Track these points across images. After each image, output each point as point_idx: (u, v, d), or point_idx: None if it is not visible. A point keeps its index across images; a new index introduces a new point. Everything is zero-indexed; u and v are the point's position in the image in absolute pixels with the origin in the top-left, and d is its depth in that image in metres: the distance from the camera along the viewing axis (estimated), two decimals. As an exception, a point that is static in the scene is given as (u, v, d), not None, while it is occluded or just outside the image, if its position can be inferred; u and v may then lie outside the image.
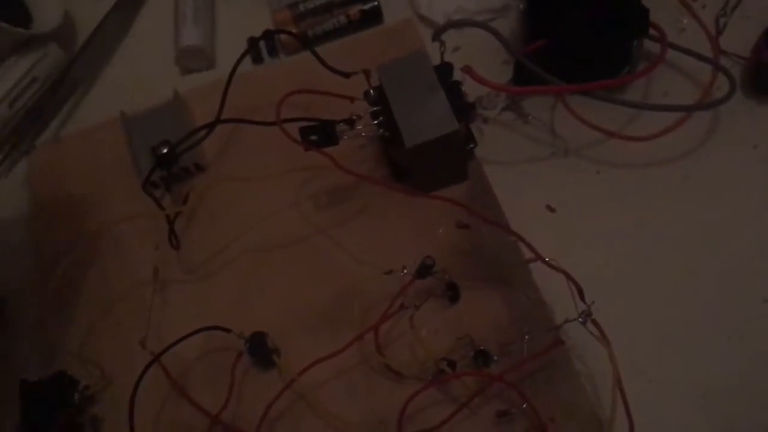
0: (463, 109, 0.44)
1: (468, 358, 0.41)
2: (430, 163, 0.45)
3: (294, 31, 0.57)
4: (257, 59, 0.57)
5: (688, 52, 0.48)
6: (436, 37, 0.45)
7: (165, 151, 0.51)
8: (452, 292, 0.44)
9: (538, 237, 0.41)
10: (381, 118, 0.44)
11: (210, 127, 0.48)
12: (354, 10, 0.56)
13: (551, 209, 0.47)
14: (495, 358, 0.41)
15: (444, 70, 0.46)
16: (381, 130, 0.44)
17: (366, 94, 0.45)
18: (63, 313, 0.48)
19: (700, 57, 0.48)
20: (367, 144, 0.50)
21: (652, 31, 0.48)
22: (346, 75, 0.45)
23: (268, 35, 0.56)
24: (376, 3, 0.56)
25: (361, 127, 0.44)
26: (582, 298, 0.38)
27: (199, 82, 0.57)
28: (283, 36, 0.56)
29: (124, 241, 0.50)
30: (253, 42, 0.57)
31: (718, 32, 0.50)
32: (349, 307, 0.44)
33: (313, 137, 0.43)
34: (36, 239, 0.52)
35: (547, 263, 0.39)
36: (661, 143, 0.47)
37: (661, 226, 0.46)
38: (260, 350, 0.43)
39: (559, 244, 0.41)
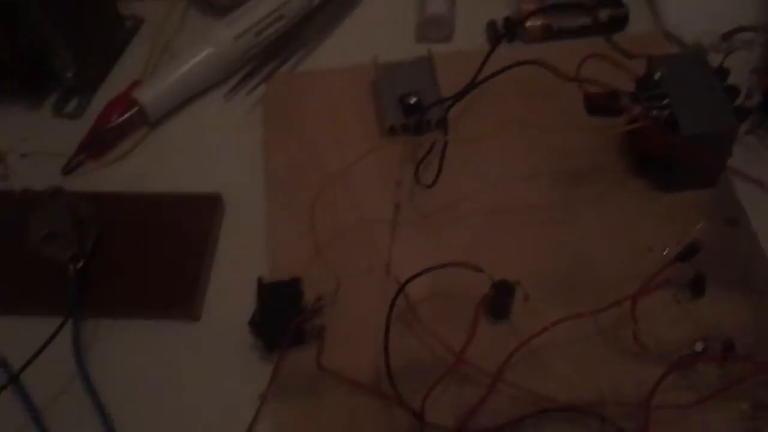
0: (741, 111, 0.45)
1: (715, 348, 0.41)
2: (691, 159, 0.45)
3: (539, 21, 0.58)
4: (495, 42, 0.58)
5: None
6: (727, 38, 0.46)
7: (413, 101, 0.52)
8: (699, 286, 0.43)
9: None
10: (666, 100, 0.44)
11: (493, 74, 0.49)
12: (603, 13, 0.58)
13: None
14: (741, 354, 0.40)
15: (721, 72, 0.46)
16: (666, 111, 0.44)
17: (646, 77, 0.46)
18: (294, 234, 0.48)
19: None
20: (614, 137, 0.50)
21: None
22: (631, 56, 0.46)
23: (508, 24, 0.58)
24: (625, 9, 0.58)
25: (646, 103, 0.44)
26: None
27: (436, 51, 0.59)
28: (528, 24, 0.58)
29: (361, 177, 0.50)
30: (496, 26, 0.59)
31: None
32: (592, 278, 0.44)
33: (599, 103, 0.44)
34: (266, 162, 0.53)
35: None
36: None
37: None
38: (505, 297, 0.43)
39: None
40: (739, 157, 0.50)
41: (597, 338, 0.43)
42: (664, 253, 0.42)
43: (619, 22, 0.58)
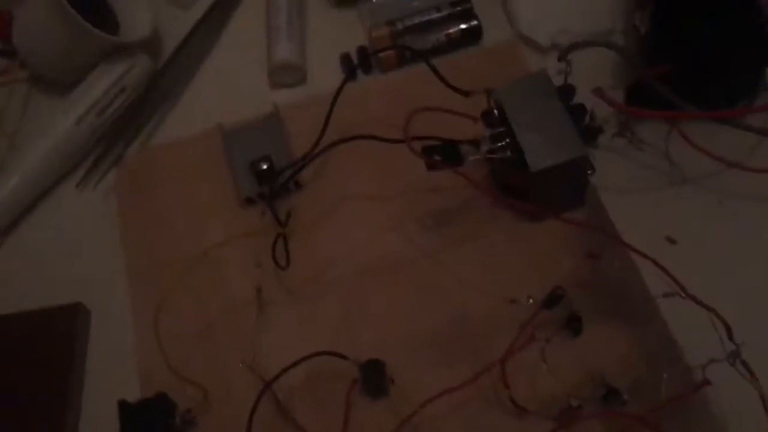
0: (589, 133, 0.43)
1: (597, 397, 0.39)
2: (550, 188, 0.43)
3: (394, 49, 0.55)
4: (351, 76, 0.55)
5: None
6: (563, 57, 0.43)
7: (265, 167, 0.49)
8: (575, 325, 0.42)
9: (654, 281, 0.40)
10: (507, 140, 0.42)
11: (327, 147, 0.47)
12: (455, 29, 0.55)
13: (672, 241, 0.45)
14: (625, 397, 0.39)
15: (566, 92, 0.44)
16: (508, 153, 0.42)
17: (486, 114, 0.43)
18: (159, 334, 0.46)
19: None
20: (473, 170, 0.48)
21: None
22: (466, 93, 0.43)
23: (364, 53, 0.56)
24: (477, 23, 0.55)
25: (486, 148, 0.42)
26: (730, 337, 0.36)
27: (290, 96, 0.56)
28: (382, 53, 0.55)
29: (222, 260, 0.48)
30: (349, 60, 0.56)
31: None
32: (464, 336, 0.43)
33: (437, 157, 0.41)
34: (126, 252, 0.50)
35: (692, 298, 0.36)
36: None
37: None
38: (376, 378, 0.41)
39: (683, 278, 0.39)
40: (609, 162, 0.48)
41: (478, 403, 0.41)
42: (530, 302, 0.40)
43: (473, 35, 0.55)
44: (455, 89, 0.44)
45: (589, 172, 0.46)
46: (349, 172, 0.49)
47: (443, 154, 0.42)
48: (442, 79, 0.44)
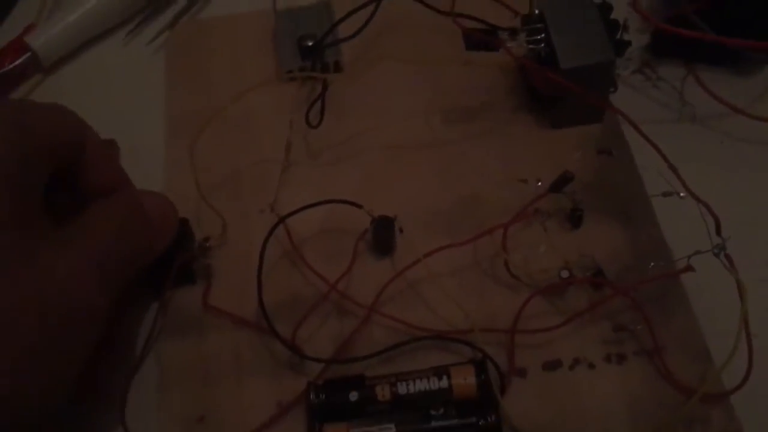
0: (620, 44, 0.46)
1: (587, 276, 0.42)
2: (577, 91, 0.46)
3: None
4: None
5: None
6: (607, -25, 0.46)
7: (310, 43, 0.52)
8: (576, 216, 0.45)
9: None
10: (543, 35, 0.45)
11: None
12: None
13: (674, 168, 0.48)
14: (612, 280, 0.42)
15: (604, 7, 0.47)
16: (542, 45, 0.45)
17: (528, 16, 0.46)
18: (188, 173, 0.48)
19: None
20: (504, 73, 0.51)
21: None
22: (512, -8, 0.46)
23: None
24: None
25: (522, 38, 0.45)
26: (718, 231, 0.39)
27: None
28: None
29: (256, 118, 0.51)
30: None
31: None
32: (474, 211, 0.45)
33: (476, 38, 0.45)
34: (167, 102, 0.53)
35: (690, 192, 0.40)
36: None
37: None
38: (385, 232, 0.43)
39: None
40: (626, 95, 0.51)
41: (473, 269, 0.44)
42: (539, 184, 0.43)
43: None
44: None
45: (611, 89, 0.49)
46: (387, 59, 0.52)
47: (481, 38, 0.45)
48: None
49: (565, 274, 0.41)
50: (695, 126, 0.51)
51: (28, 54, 0.54)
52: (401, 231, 0.43)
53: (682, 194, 0.41)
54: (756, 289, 0.38)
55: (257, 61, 0.54)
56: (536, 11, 0.46)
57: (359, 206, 0.43)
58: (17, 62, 0.53)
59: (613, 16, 0.47)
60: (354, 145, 0.50)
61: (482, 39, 0.44)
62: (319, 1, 0.56)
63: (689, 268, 0.39)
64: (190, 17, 0.58)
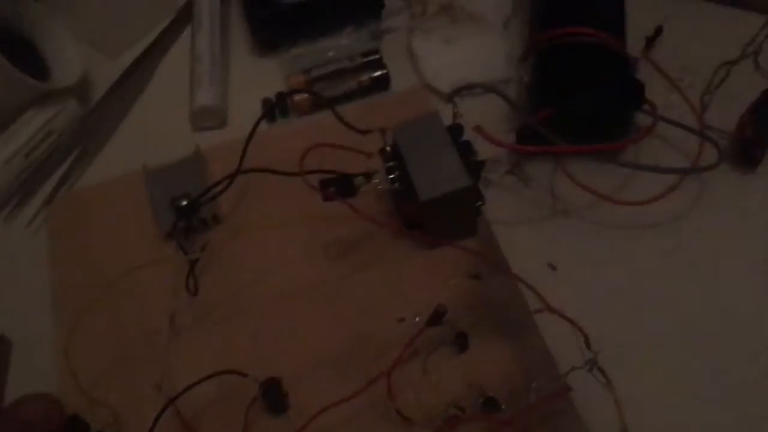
0: (474, 167, 0.47)
1: (477, 406, 0.43)
2: (442, 217, 0.48)
3: (306, 94, 0.60)
4: (270, 119, 0.60)
5: (677, 124, 0.52)
6: (451, 98, 0.48)
7: (185, 203, 0.53)
8: (461, 342, 0.45)
9: (541, 293, 0.44)
10: (397, 173, 0.46)
11: (231, 178, 0.50)
12: (365, 77, 0.60)
13: (552, 267, 0.50)
14: (503, 407, 0.43)
15: (455, 130, 0.49)
16: (396, 184, 0.46)
17: (382, 150, 0.48)
18: (75, 358, 0.48)
19: (688, 129, 0.52)
20: (377, 200, 0.52)
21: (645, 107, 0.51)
22: (363, 132, 0.48)
23: (281, 97, 0.60)
24: (386, 71, 0.60)
25: (377, 180, 0.46)
26: (588, 346, 0.40)
27: (212, 140, 0.59)
28: (296, 98, 0.59)
29: (141, 289, 0.51)
30: (269, 103, 0.60)
31: (703, 109, 0.55)
32: (361, 355, 0.46)
33: (332, 189, 0.45)
34: (54, 287, 0.53)
35: (556, 312, 0.41)
36: (653, 208, 0.50)
37: (655, 284, 0.49)
38: (273, 396, 0.44)
39: (558, 301, 0.43)
40: (500, 197, 0.53)
41: (367, 415, 0.44)
42: (416, 320, 0.44)
43: (383, 83, 0.60)
44: (353, 128, 0.48)
45: (479, 203, 0.50)
46: (263, 206, 0.53)
47: (338, 186, 0.46)
48: (340, 119, 0.48)
49: (452, 410, 0.42)
50: (569, 219, 0.52)
51: None
52: (286, 395, 0.43)
53: (550, 311, 0.42)
54: (635, 394, 0.39)
55: (138, 226, 0.54)
56: (387, 148, 0.47)
57: (244, 375, 0.43)
58: None
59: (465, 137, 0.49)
60: (241, 302, 0.50)
61: (336, 191, 0.45)
62: (189, 154, 0.56)
63: (568, 389, 0.40)
64: (66, 189, 0.58)
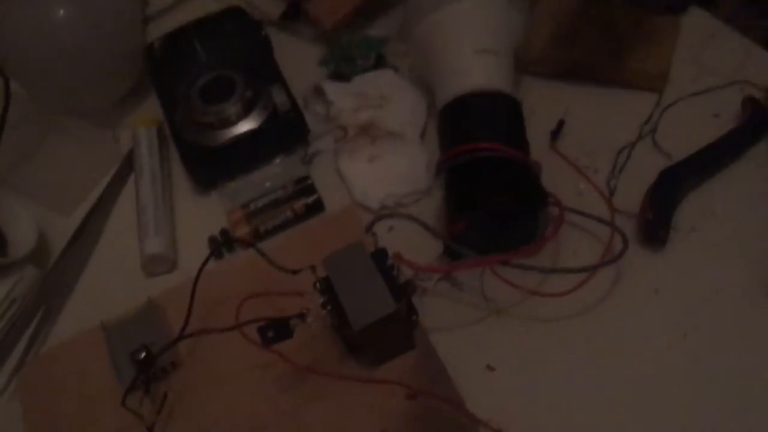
0: (400, 290, 0.51)
1: None
2: (380, 339, 0.51)
3: (246, 228, 0.64)
4: (218, 255, 0.63)
5: (585, 214, 0.56)
6: (368, 229, 0.52)
7: (143, 355, 0.56)
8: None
9: (480, 396, 0.47)
10: (329, 306, 0.50)
11: (176, 341, 0.54)
12: (299, 205, 0.64)
13: (491, 368, 0.53)
14: None
15: (379, 255, 0.52)
16: (331, 318, 0.50)
17: (314, 286, 0.51)
18: None
19: (596, 218, 0.56)
20: (321, 331, 0.55)
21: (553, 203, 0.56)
22: (294, 272, 0.52)
23: (225, 236, 0.64)
24: (317, 196, 0.64)
25: (311, 319, 0.50)
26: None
27: (165, 284, 0.63)
28: (238, 233, 0.63)
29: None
30: (213, 242, 0.64)
31: (611, 193, 0.59)
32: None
33: (271, 334, 0.49)
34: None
35: (491, 428, 0.44)
36: (576, 297, 0.53)
37: (587, 373, 0.52)
38: None
39: (499, 401, 0.47)
40: (435, 304, 0.57)
41: None
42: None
43: (316, 207, 0.64)
44: (283, 269, 0.52)
45: (414, 317, 0.54)
46: (213, 352, 0.56)
47: (275, 331, 0.49)
48: (271, 262, 0.52)
49: None
50: (501, 318, 0.56)
51: None
52: None
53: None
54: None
55: (101, 382, 0.57)
56: (317, 285, 0.51)
57: None
58: None
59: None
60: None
61: (275, 336, 0.49)
62: (144, 304, 0.60)
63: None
64: (34, 353, 0.61)
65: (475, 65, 0.60)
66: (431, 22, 0.63)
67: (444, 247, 0.58)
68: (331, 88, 0.67)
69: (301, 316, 0.50)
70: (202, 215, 0.67)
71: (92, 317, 0.61)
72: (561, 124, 0.63)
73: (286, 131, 0.67)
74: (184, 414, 0.54)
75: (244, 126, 0.66)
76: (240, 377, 0.55)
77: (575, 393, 0.51)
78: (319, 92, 0.69)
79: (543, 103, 0.63)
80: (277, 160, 0.68)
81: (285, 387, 0.54)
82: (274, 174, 0.67)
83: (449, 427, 0.49)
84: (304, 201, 0.64)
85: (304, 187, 0.65)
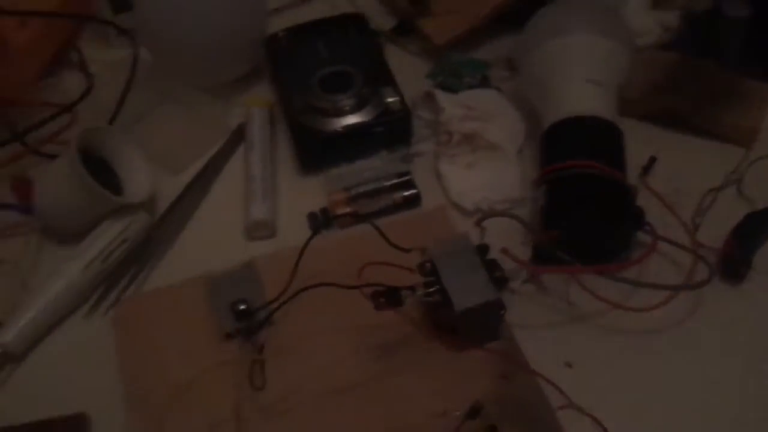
0: (500, 282, 0.55)
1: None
2: (473, 323, 0.55)
3: (347, 209, 0.68)
4: (317, 231, 0.68)
5: (674, 243, 0.60)
6: (479, 223, 0.57)
7: (243, 307, 0.60)
8: (492, 435, 0.52)
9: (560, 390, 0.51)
10: (437, 286, 0.54)
11: (296, 292, 0.58)
12: (398, 196, 0.69)
13: (569, 365, 0.57)
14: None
15: (482, 249, 0.57)
16: (436, 296, 0.54)
17: (422, 265, 0.56)
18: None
19: (683, 247, 0.60)
20: (415, 310, 0.60)
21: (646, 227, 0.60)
22: (407, 250, 0.56)
23: (325, 212, 0.69)
24: (416, 191, 0.69)
25: (420, 293, 0.54)
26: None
27: (263, 248, 0.67)
28: (340, 212, 0.68)
29: (204, 384, 0.58)
30: (313, 218, 0.69)
31: (695, 228, 0.63)
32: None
33: (383, 300, 0.53)
34: (122, 376, 0.60)
35: (579, 409, 0.48)
36: (656, 315, 0.57)
37: (660, 386, 0.56)
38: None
39: (578, 397, 0.50)
40: (520, 304, 0.61)
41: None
42: (456, 414, 0.51)
43: (413, 201, 0.69)
44: (398, 247, 0.56)
45: (501, 312, 0.58)
46: (313, 312, 0.60)
47: (387, 297, 0.54)
48: (386, 239, 0.57)
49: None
50: (583, 324, 0.60)
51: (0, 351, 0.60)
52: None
53: (574, 407, 0.49)
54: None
55: (198, 327, 0.62)
56: (428, 264, 0.55)
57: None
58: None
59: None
60: (294, 398, 0.57)
61: (387, 302, 0.53)
62: (243, 264, 0.64)
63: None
64: (133, 292, 0.66)
65: (583, 93, 0.65)
66: (545, 50, 0.69)
67: (533, 253, 0.62)
68: (442, 96, 0.73)
69: (412, 289, 0.54)
70: (302, 195, 0.72)
71: (190, 270, 0.66)
72: (653, 160, 0.68)
73: (393, 129, 0.73)
74: (278, 367, 0.58)
75: (356, 118, 0.71)
76: (333, 342, 0.59)
77: (647, 401, 0.55)
78: (428, 99, 0.74)
79: (636, 141, 0.68)
80: (379, 155, 0.73)
81: (378, 355, 0.58)
82: (374, 167, 0.72)
83: (537, 411, 0.53)
84: (403, 193, 0.69)
85: (405, 181, 0.70)
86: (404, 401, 0.55)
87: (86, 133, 0.67)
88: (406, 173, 0.71)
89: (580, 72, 0.66)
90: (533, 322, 0.60)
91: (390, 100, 0.72)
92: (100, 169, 0.68)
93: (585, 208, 0.60)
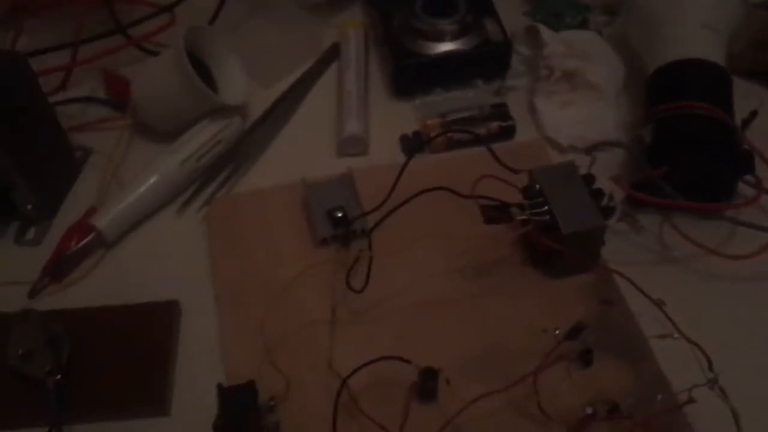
0: (607, 210, 0.55)
1: (603, 413, 0.50)
2: (576, 249, 0.55)
3: (443, 135, 0.68)
4: (414, 153, 0.68)
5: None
6: (589, 152, 0.57)
7: (340, 215, 0.61)
8: (587, 358, 0.53)
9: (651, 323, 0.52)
10: (545, 207, 0.54)
11: (414, 196, 0.59)
12: (494, 125, 0.69)
13: (662, 303, 0.57)
14: (626, 414, 0.50)
15: (588, 178, 0.57)
16: (546, 216, 0.54)
17: (527, 188, 0.56)
18: (243, 338, 0.56)
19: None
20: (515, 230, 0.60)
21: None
22: (515, 171, 0.56)
23: (418, 135, 0.69)
24: (513, 122, 0.69)
25: (529, 211, 0.54)
26: (711, 367, 0.47)
27: (354, 164, 0.67)
28: (434, 136, 0.68)
29: (297, 285, 0.58)
30: (405, 141, 0.69)
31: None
32: (501, 359, 0.53)
33: (493, 214, 0.54)
34: (213, 271, 0.61)
35: (685, 336, 0.48)
36: (752, 262, 0.58)
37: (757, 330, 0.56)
38: (431, 383, 0.51)
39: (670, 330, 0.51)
40: (614, 241, 0.61)
41: (509, 410, 0.51)
42: (556, 332, 0.51)
43: (508, 132, 0.69)
44: (507, 167, 0.56)
45: (601, 244, 0.58)
46: (410, 227, 0.61)
47: (498, 211, 0.54)
48: (497, 159, 0.57)
49: (589, 410, 0.49)
50: (674, 266, 0.60)
51: (94, 234, 0.61)
52: (448, 382, 0.50)
53: (675, 336, 0.49)
54: (748, 413, 0.46)
55: (292, 230, 0.62)
56: (536, 186, 0.55)
57: (408, 362, 0.50)
58: (84, 242, 0.61)
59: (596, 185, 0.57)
60: (389, 305, 0.57)
61: (498, 215, 0.53)
62: (341, 174, 0.65)
63: (691, 400, 0.47)
64: (226, 191, 0.66)
65: (698, 38, 0.64)
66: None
67: (627, 194, 0.62)
68: (547, 32, 0.72)
69: (521, 206, 0.54)
70: (394, 118, 0.72)
71: (280, 178, 0.66)
72: (754, 113, 0.67)
73: (491, 60, 0.72)
74: (373, 276, 0.59)
75: (457, 45, 0.71)
76: (431, 257, 0.60)
77: (741, 340, 0.56)
78: (529, 34, 0.74)
79: (738, 93, 0.67)
80: (474, 86, 0.73)
81: (476, 273, 0.59)
82: (467, 97, 0.72)
83: (630, 337, 0.53)
84: (499, 123, 0.69)
85: (501, 112, 0.70)
86: (500, 320, 0.56)
87: (190, 31, 0.66)
88: (502, 104, 0.70)
89: (696, 16, 0.65)
90: (625, 260, 0.60)
91: (492, 30, 0.72)
92: (198, 72, 0.68)
93: (697, 148, 0.59)
